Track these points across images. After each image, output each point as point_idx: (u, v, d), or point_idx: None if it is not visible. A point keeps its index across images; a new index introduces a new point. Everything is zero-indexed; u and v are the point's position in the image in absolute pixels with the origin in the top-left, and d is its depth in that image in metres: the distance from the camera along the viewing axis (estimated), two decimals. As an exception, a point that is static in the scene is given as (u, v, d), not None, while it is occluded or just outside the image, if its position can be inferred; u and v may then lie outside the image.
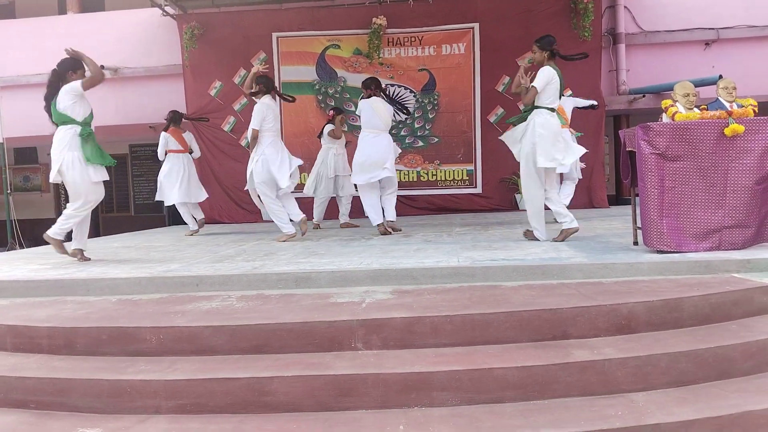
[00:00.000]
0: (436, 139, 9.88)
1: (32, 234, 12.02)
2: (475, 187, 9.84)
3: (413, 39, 9.86)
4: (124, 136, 10.96)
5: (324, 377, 2.76)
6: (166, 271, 4.41)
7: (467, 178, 9.93)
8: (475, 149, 9.84)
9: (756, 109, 4.43)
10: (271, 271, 4.13)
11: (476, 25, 9.71)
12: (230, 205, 10.09)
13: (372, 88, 6.44)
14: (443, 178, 9.96)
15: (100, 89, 10.31)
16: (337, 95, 9.99)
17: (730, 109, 4.82)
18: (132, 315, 3.48)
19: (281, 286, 4.00)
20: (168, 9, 10.10)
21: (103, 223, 12.79)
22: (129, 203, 13.01)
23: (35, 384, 2.93)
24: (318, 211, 7.96)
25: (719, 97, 5.82)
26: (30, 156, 13.47)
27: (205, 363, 2.98)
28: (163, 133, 7.75)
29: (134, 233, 8.91)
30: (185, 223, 8.14)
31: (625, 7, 9.86)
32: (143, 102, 10.50)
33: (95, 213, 12.36)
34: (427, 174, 9.92)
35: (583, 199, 9.21)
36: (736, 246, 4.16)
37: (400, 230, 6.68)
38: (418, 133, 9.91)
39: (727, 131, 3.96)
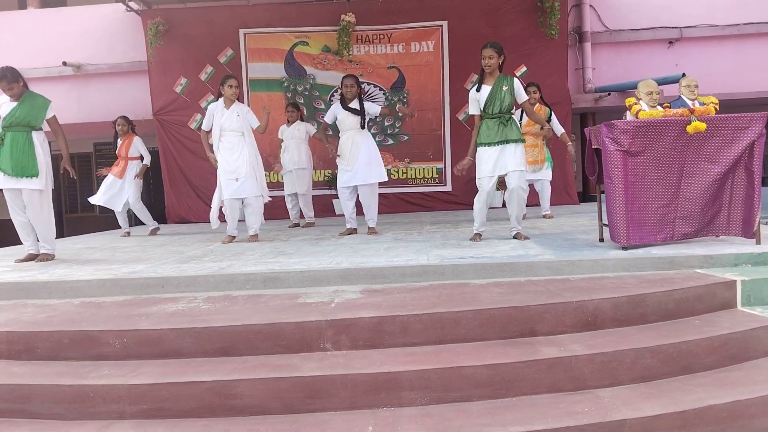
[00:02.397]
0: (406, 137, 9.89)
1: (-8, 235, 11.71)
2: (445, 185, 9.87)
3: (382, 36, 9.84)
4: (88, 134, 10.71)
5: (291, 379, 2.73)
6: (131, 272, 4.32)
7: (437, 176, 9.96)
8: (444, 147, 9.87)
9: (717, 106, 4.52)
10: (239, 272, 4.08)
11: (444, 23, 9.73)
12: (198, 203, 9.94)
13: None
14: (413, 176, 9.97)
15: (62, 86, 10.18)
16: (306, 92, 9.92)
17: (692, 106, 4.91)
18: (95, 318, 3.40)
19: (249, 287, 3.96)
20: (132, 4, 9.89)
21: (67, 223, 12.50)
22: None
23: (-7, 391, 2.85)
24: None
25: (682, 95, 5.92)
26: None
27: (170, 366, 2.92)
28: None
29: (98, 233, 8.73)
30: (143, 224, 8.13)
31: (590, 5, 9.99)
32: (107, 99, 10.29)
33: (59, 213, 12.08)
34: (398, 172, 9.92)
35: (552, 197, 9.28)
36: (687, 236, 4.31)
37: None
38: (388, 132, 9.90)
39: (690, 129, 4.04)
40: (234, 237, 6.21)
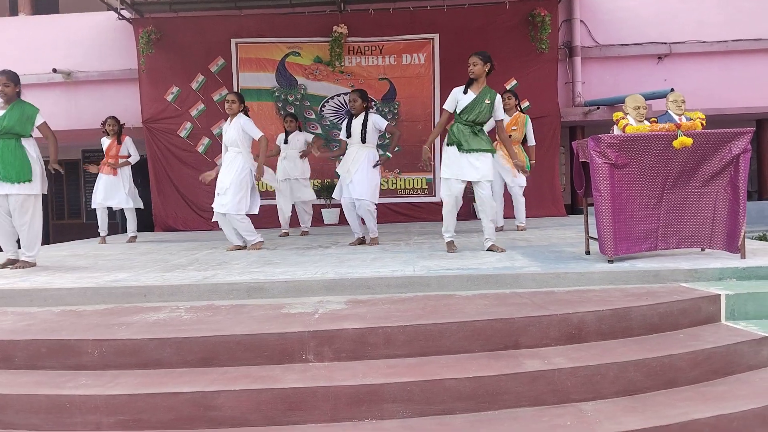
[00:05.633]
0: (396, 148, 9.87)
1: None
2: (434, 195, 9.87)
3: (374, 48, 9.87)
4: (77, 141, 10.67)
5: (272, 391, 2.69)
6: (113, 281, 4.27)
7: (426, 186, 9.98)
8: (434, 158, 9.88)
9: (704, 122, 4.54)
10: (223, 281, 4.04)
11: (436, 36, 9.79)
12: (186, 211, 9.90)
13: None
14: (403, 187, 9.98)
15: (51, 92, 10.14)
16: (297, 102, 9.92)
17: (679, 122, 4.95)
18: (74, 327, 3.35)
19: (232, 297, 3.92)
20: (124, 12, 9.89)
21: (53, 230, 12.41)
22: (81, 210, 12.65)
23: (-32, 400, 2.79)
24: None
25: (669, 110, 5.96)
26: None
27: (149, 377, 2.88)
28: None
29: (84, 241, 8.65)
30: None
31: (581, 20, 10.07)
32: (97, 107, 10.22)
33: (45, 220, 11.99)
34: (387, 182, 9.92)
35: (540, 209, 9.34)
36: (670, 246, 4.34)
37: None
38: (378, 142, 9.90)
39: (676, 144, 4.06)
40: (240, 246, 6.18)
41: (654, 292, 3.59)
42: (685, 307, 3.39)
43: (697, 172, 4.23)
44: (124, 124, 8.00)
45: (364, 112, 6.14)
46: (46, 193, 5.31)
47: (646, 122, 5.15)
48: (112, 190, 7.69)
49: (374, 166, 6.13)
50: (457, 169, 5.01)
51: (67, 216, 12.65)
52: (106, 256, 6.11)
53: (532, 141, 7.18)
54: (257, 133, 6.10)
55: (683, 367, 2.96)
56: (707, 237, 4.33)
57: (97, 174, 7.78)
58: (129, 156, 7.80)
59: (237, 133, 6.03)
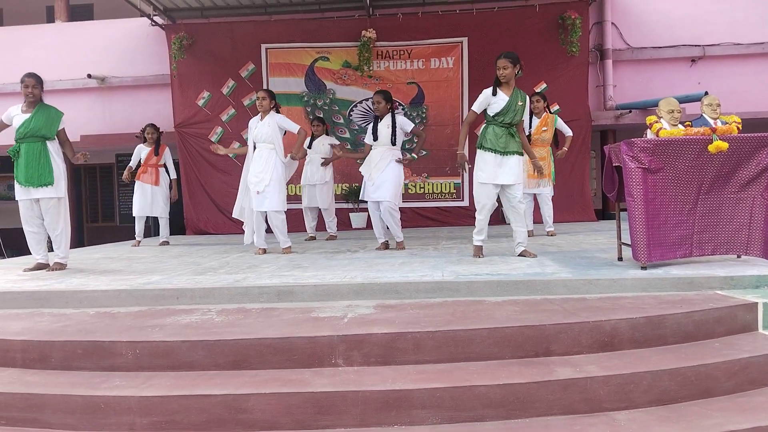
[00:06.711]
0: (424, 152, 9.87)
1: (15, 243, 11.89)
2: (462, 200, 9.84)
3: (402, 52, 9.89)
4: (111, 145, 10.86)
5: (302, 395, 2.70)
6: (146, 283, 4.34)
7: (454, 191, 9.94)
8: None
9: (739, 126, 4.45)
10: (253, 285, 4.08)
11: (465, 40, 9.76)
12: (217, 216, 10.02)
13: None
14: (431, 191, 9.96)
15: (86, 98, 10.36)
16: (326, 107, 9.98)
17: (714, 125, 4.85)
18: (109, 328, 3.41)
19: (263, 300, 3.95)
20: (157, 19, 10.08)
21: (87, 233, 12.65)
22: (114, 213, 12.89)
23: (6, 399, 2.86)
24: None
25: (704, 114, 5.85)
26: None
27: (181, 379, 2.92)
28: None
29: (117, 244, 8.82)
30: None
31: (612, 23, 9.95)
32: (130, 111, 10.45)
33: (80, 223, 12.25)
34: (415, 187, 9.92)
35: (570, 214, 9.24)
36: (705, 252, 4.25)
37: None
38: (406, 146, 9.88)
39: (711, 148, 3.98)
40: (265, 249, 6.21)
41: (689, 300, 3.52)
42: (721, 316, 3.32)
43: (733, 177, 4.14)
44: (162, 132, 8.15)
45: (389, 114, 6.14)
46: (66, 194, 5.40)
47: (680, 126, 5.05)
48: (153, 200, 7.88)
49: (397, 160, 6.12)
50: (492, 173, 4.96)
51: (100, 219, 12.89)
52: (139, 258, 6.22)
53: (569, 131, 7.19)
54: (295, 127, 6.19)
55: (719, 376, 2.89)
56: (743, 243, 4.23)
57: (132, 181, 7.94)
58: (165, 167, 8.04)
59: (271, 129, 6.07)
